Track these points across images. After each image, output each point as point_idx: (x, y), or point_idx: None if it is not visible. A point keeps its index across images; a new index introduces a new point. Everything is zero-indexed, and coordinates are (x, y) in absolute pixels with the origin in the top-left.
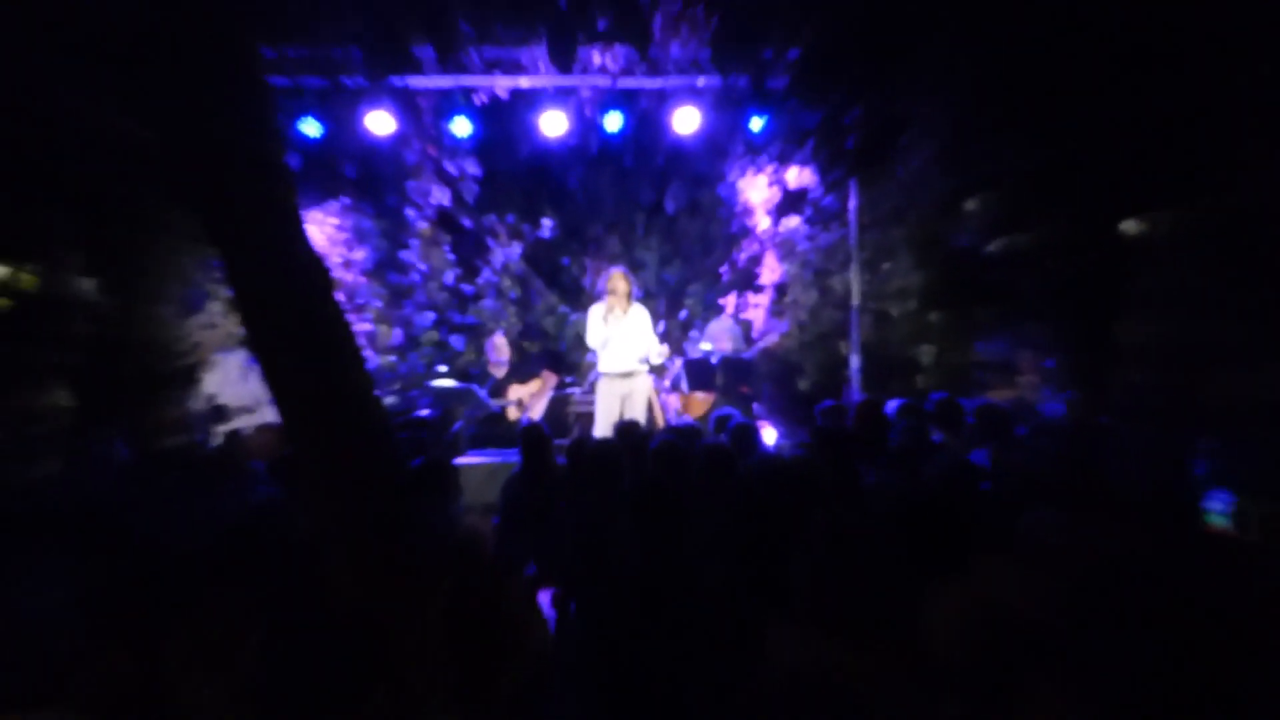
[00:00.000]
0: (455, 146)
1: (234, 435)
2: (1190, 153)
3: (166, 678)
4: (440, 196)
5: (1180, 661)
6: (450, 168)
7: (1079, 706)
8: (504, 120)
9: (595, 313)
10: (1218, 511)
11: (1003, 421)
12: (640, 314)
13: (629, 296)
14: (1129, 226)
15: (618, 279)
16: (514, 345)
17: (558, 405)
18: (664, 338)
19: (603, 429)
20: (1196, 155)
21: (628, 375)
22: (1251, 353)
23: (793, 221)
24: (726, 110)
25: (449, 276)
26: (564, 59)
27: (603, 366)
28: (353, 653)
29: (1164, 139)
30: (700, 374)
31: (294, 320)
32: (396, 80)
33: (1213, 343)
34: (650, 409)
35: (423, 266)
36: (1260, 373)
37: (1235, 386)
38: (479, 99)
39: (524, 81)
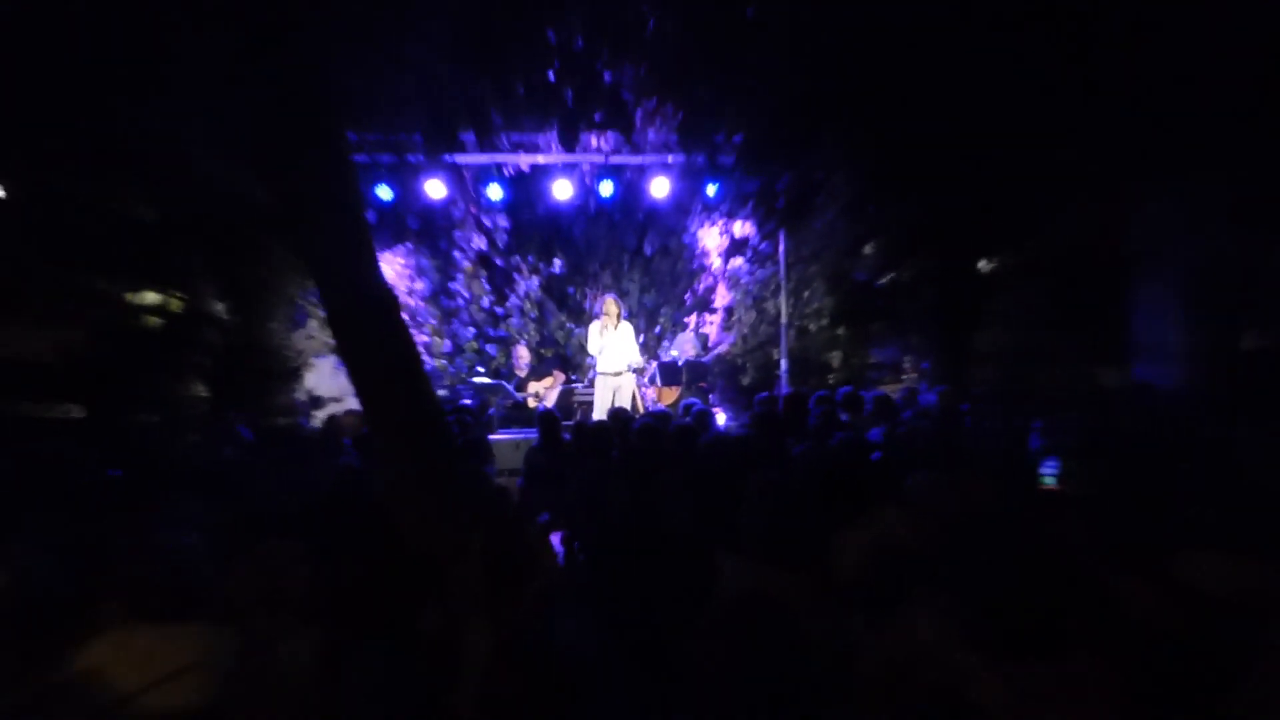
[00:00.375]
0: (490, 206)
1: (329, 418)
2: (1023, 212)
3: (274, 594)
4: (479, 242)
5: (1020, 581)
6: (486, 221)
7: (949, 617)
8: (526, 186)
9: (594, 328)
10: (1048, 474)
11: (891, 408)
12: (626, 330)
13: (618, 316)
14: (981, 264)
15: (610, 303)
16: (533, 352)
17: (565, 396)
18: (643, 347)
19: (599, 413)
20: (1027, 214)
21: (617, 374)
22: (1068, 355)
23: (737, 261)
24: (689, 179)
25: (485, 302)
26: (569, 142)
27: (599, 368)
28: (412, 577)
29: (1004, 202)
30: (670, 373)
31: (371, 333)
32: (447, 157)
33: (1041, 348)
34: (634, 399)
35: (466, 294)
36: (1074, 370)
37: (1057, 380)
38: (507, 171)
39: (540, 158)
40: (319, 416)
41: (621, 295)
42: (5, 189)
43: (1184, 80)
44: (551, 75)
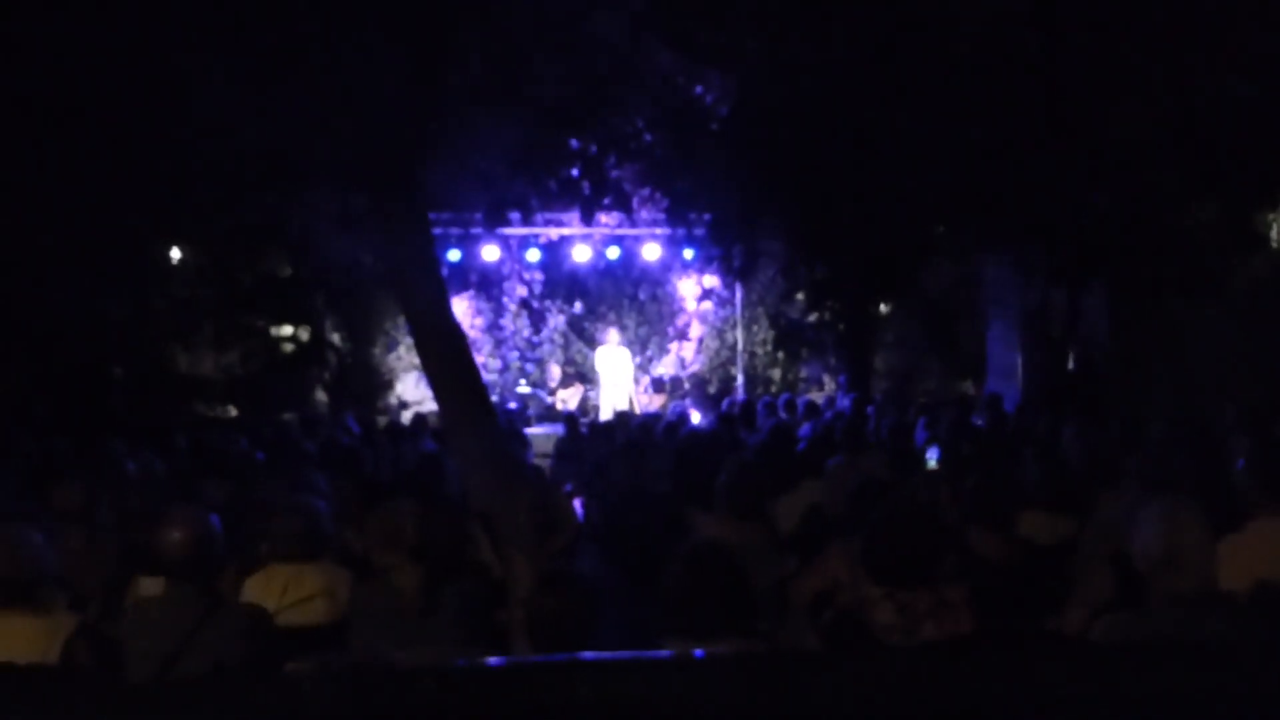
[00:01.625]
0: (529, 265)
1: (416, 416)
2: (906, 270)
3: (392, 539)
4: (521, 291)
5: (906, 533)
6: (526, 275)
7: (855, 559)
8: (555, 250)
9: (600, 352)
10: (931, 458)
11: (816, 409)
12: (624, 353)
13: (618, 344)
14: (876, 307)
15: (612, 333)
16: (560, 369)
17: (583, 401)
18: (637, 366)
19: (604, 413)
20: (908, 272)
21: (617, 386)
22: (940, 372)
23: (706, 304)
24: (672, 246)
25: (525, 333)
26: (587, 219)
27: (602, 380)
28: (476, 525)
29: (892, 264)
30: (658, 385)
31: (445, 355)
32: (499, 230)
33: (921, 367)
34: (631, 403)
35: (511, 328)
36: (944, 383)
37: (933, 390)
38: (543, 239)
39: (565, 230)
40: (405, 415)
41: (621, 329)
42: (188, 256)
43: (1012, 179)
44: (574, 173)
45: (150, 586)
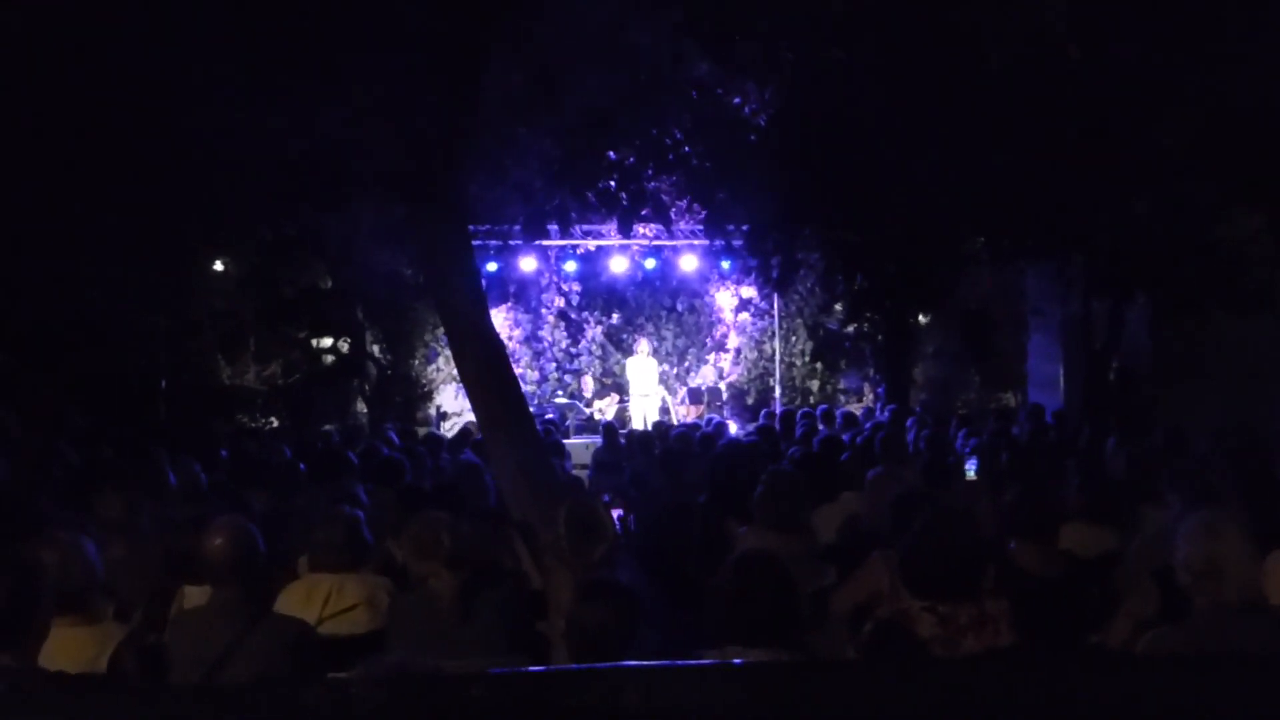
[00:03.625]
0: (567, 276)
1: (462, 428)
2: (945, 281)
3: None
4: (559, 302)
5: (946, 545)
6: (564, 286)
7: (896, 571)
8: (592, 261)
9: (630, 363)
10: (970, 469)
11: (856, 420)
12: (651, 364)
13: (647, 354)
14: (915, 318)
15: (642, 343)
16: (597, 380)
17: (621, 412)
18: (674, 377)
19: (636, 424)
20: (948, 283)
21: (645, 395)
22: (980, 383)
23: (744, 315)
24: (709, 257)
25: (563, 344)
26: (625, 230)
27: (632, 390)
28: (515, 535)
29: (932, 274)
30: (695, 395)
31: (483, 365)
32: (538, 242)
33: (960, 378)
34: (668, 412)
35: (550, 339)
36: (984, 394)
37: (972, 401)
38: (580, 250)
39: (603, 242)
40: (445, 426)
41: (658, 340)
42: (231, 268)
43: (1053, 189)
44: (612, 184)
45: (195, 595)
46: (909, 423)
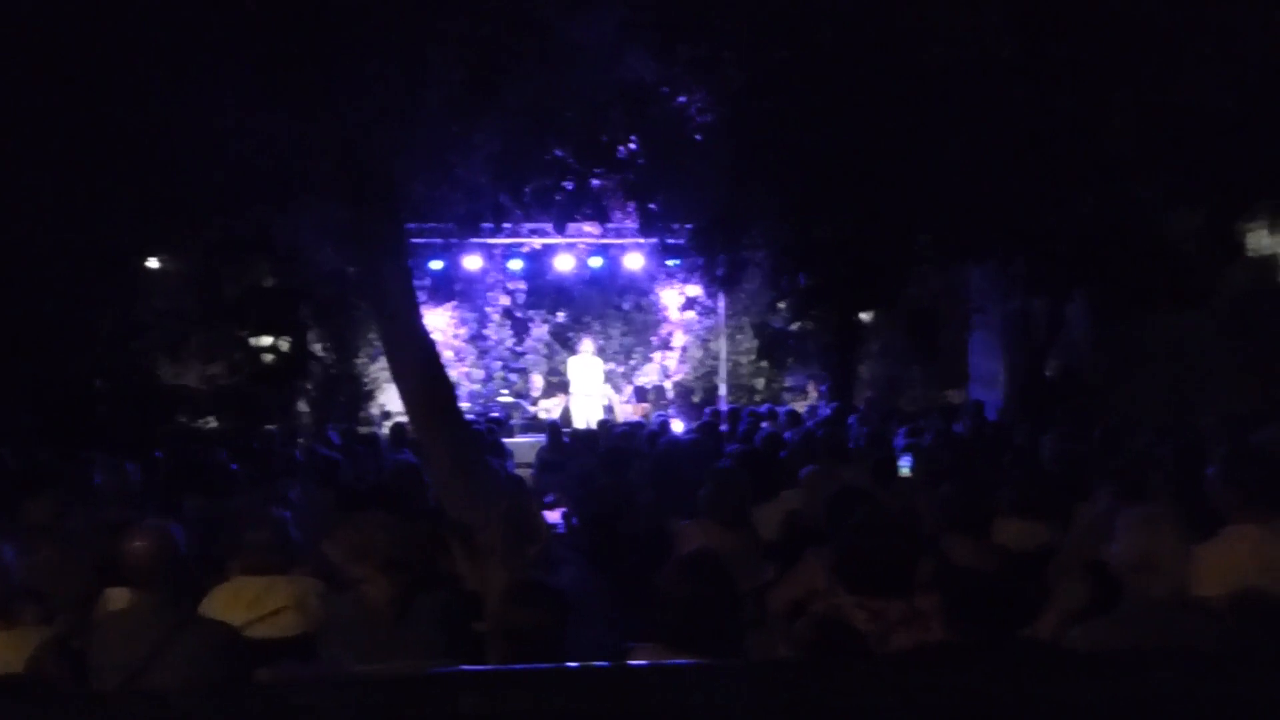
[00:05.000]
0: (512, 274)
1: (394, 426)
2: (889, 280)
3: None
4: (505, 301)
5: (881, 541)
6: (510, 285)
7: (832, 567)
8: (539, 260)
9: (573, 362)
10: (906, 466)
11: (799, 418)
12: (596, 363)
13: (591, 354)
14: (861, 316)
15: (586, 343)
16: (544, 379)
17: (566, 411)
18: (620, 375)
19: (579, 424)
20: (892, 281)
21: (589, 395)
22: (922, 381)
23: (690, 313)
24: (656, 256)
25: (509, 343)
26: (561, 227)
27: (573, 389)
28: (450, 536)
29: (875, 273)
30: (641, 394)
31: (416, 365)
32: (480, 238)
33: (903, 376)
34: (613, 411)
35: (496, 338)
36: (926, 392)
37: (913, 400)
38: (526, 249)
39: (549, 240)
40: (388, 425)
41: (605, 338)
42: (171, 267)
43: (994, 189)
44: (550, 181)
45: (117, 599)
46: (850, 420)
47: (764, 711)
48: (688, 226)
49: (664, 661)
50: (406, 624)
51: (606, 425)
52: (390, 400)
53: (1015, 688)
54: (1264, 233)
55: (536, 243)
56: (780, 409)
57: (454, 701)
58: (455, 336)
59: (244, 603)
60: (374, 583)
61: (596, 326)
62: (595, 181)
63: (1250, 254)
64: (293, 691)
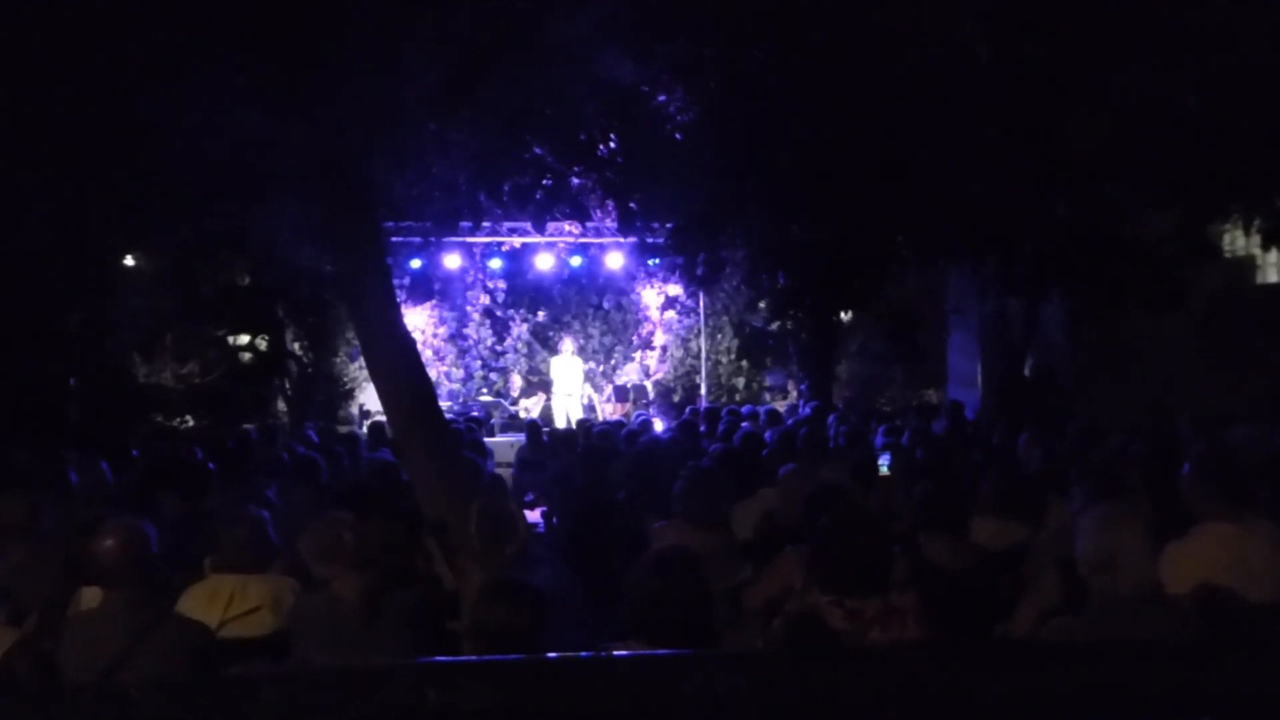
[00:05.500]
0: (492, 273)
1: (371, 424)
2: (869, 280)
3: (332, 550)
4: (485, 300)
5: (858, 540)
6: (490, 284)
7: (808, 566)
8: (519, 259)
9: (554, 362)
10: (885, 464)
11: (779, 417)
12: (576, 362)
13: (571, 353)
14: (840, 317)
15: (567, 343)
16: (524, 378)
17: (546, 410)
18: (600, 374)
19: (559, 423)
20: (871, 282)
21: (569, 394)
22: (898, 381)
23: (670, 313)
24: (636, 255)
25: (489, 342)
26: (539, 226)
27: (555, 389)
28: (428, 535)
29: (855, 273)
30: (621, 393)
31: (394, 364)
32: (459, 237)
33: (880, 376)
34: (594, 410)
35: (476, 337)
36: (903, 391)
37: (892, 400)
38: (506, 248)
39: (529, 239)
40: (367, 424)
41: (585, 338)
42: (146, 264)
43: (971, 190)
44: (528, 180)
45: (89, 598)
46: (829, 419)
47: (737, 702)
48: (668, 225)
49: (633, 653)
50: (379, 623)
51: (585, 425)
52: (369, 399)
53: (979, 681)
54: (1238, 234)
55: (516, 241)
56: (760, 409)
57: (420, 694)
58: (435, 335)
59: (220, 601)
60: (345, 581)
61: (576, 325)
62: (575, 180)
63: (1225, 255)
64: (256, 686)
